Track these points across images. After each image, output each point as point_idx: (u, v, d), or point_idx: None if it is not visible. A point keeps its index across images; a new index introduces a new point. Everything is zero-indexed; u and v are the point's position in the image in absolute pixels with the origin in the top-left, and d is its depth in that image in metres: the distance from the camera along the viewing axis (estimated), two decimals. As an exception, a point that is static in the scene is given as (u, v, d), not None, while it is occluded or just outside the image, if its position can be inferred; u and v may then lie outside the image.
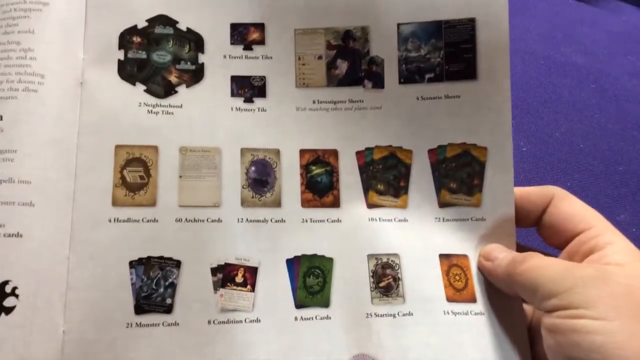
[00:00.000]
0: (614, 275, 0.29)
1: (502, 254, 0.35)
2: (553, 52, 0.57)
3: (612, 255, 0.32)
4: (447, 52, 0.38)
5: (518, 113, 0.53)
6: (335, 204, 0.37)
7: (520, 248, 0.37)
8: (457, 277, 0.36)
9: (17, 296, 0.31)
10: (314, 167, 0.37)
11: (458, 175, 0.37)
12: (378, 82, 0.38)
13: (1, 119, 0.33)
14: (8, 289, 0.31)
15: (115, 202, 0.34)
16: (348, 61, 0.39)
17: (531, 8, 0.60)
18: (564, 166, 0.51)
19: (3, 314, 0.30)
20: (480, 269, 0.36)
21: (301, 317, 0.34)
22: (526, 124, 0.52)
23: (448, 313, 0.35)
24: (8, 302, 0.31)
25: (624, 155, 0.52)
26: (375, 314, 0.34)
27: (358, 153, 0.38)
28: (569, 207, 0.35)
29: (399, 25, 0.38)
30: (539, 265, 0.31)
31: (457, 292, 0.35)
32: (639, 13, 0.64)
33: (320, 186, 0.37)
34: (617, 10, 0.63)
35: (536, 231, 0.37)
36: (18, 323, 0.31)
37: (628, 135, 0.53)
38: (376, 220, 0.36)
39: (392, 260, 0.36)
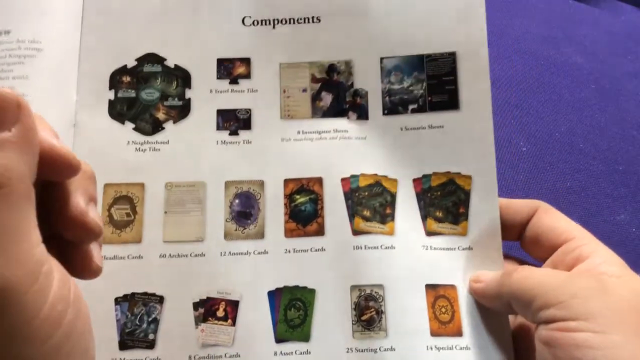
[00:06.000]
0: (615, 287, 0.29)
1: (493, 273, 0.34)
2: (553, 52, 0.56)
3: (601, 265, 0.31)
4: (430, 84, 0.38)
5: (518, 113, 0.52)
6: (320, 232, 0.37)
7: (507, 258, 0.36)
8: (443, 310, 0.35)
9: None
10: (297, 196, 0.37)
11: (443, 204, 0.37)
12: (362, 114, 0.38)
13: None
14: None
15: (103, 240, 0.35)
16: (332, 93, 0.39)
17: (531, 8, 0.59)
18: (564, 166, 0.50)
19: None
20: (472, 293, 0.35)
21: (280, 352, 0.34)
22: (526, 124, 0.52)
23: (431, 348, 0.34)
24: None
25: (624, 155, 0.52)
26: (355, 349, 0.34)
27: (343, 180, 0.38)
28: (551, 220, 0.35)
29: (382, 59, 0.39)
30: (535, 275, 0.31)
31: (443, 325, 0.35)
32: (639, 13, 0.62)
33: (304, 215, 0.37)
34: (617, 10, 0.62)
35: (520, 245, 0.37)
36: None
37: (628, 135, 0.52)
38: (361, 248, 0.36)
39: (375, 292, 0.35)
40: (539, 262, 0.36)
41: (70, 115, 0.37)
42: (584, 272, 0.31)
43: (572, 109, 0.53)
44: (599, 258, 0.31)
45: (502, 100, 0.53)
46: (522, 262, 0.37)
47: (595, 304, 0.28)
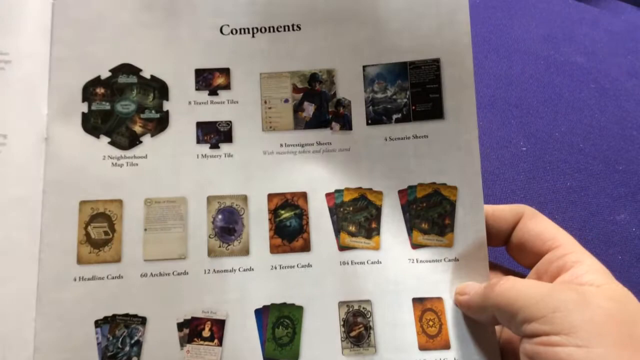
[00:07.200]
0: (594, 297, 0.29)
1: (478, 285, 0.34)
2: (553, 52, 0.57)
3: (584, 275, 0.31)
4: (414, 93, 0.38)
5: (518, 113, 0.52)
6: (306, 247, 0.36)
7: (493, 267, 0.37)
8: (431, 323, 0.35)
9: (-21, 363, 0.31)
10: (282, 212, 0.37)
11: (429, 216, 0.37)
12: (346, 124, 0.38)
13: (-38, 182, 0.33)
14: (-29, 357, 0.31)
15: (80, 260, 0.34)
16: (315, 104, 0.38)
17: (531, 8, 0.59)
18: (564, 166, 0.51)
19: (-34, 383, 0.30)
20: (458, 305, 0.35)
21: (269, 372, 0.34)
22: (526, 124, 0.52)
23: (420, 362, 0.34)
24: (-30, 371, 0.31)
25: (624, 155, 0.52)
26: (345, 366, 0.34)
27: (328, 195, 0.37)
28: (537, 226, 0.35)
29: (364, 67, 0.38)
30: (518, 287, 0.30)
31: (430, 339, 0.35)
32: (639, 13, 0.63)
33: (289, 230, 0.36)
34: (617, 10, 0.62)
35: (506, 251, 0.37)
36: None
37: (628, 135, 0.53)
38: (348, 264, 0.36)
39: (363, 308, 0.35)
40: (524, 269, 0.36)
41: (42, 129, 0.36)
42: (566, 283, 0.31)
43: (572, 109, 0.53)
44: (582, 267, 0.31)
45: (502, 100, 0.53)
46: (508, 271, 0.37)
47: (576, 317, 0.28)
